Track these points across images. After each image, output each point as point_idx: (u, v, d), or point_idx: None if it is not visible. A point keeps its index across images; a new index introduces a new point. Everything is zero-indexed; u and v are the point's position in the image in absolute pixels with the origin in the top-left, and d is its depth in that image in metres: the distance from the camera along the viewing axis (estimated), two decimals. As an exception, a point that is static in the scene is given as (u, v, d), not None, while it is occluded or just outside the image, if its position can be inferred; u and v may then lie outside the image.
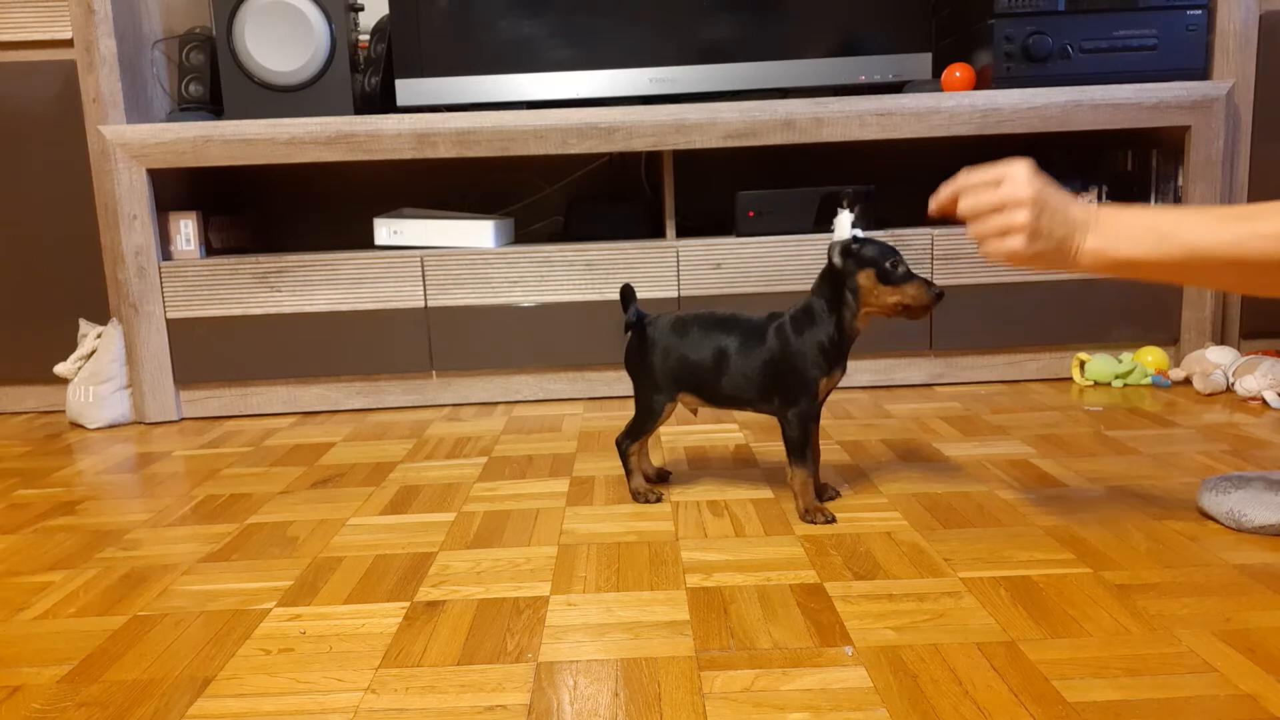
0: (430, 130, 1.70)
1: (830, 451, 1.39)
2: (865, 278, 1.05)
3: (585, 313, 1.76)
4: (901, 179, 2.10)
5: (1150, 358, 1.76)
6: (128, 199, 1.70)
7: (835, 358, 1.09)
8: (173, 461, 1.50)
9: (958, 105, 1.71)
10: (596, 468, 1.35)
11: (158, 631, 0.88)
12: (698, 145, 1.72)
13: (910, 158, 2.11)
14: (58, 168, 1.80)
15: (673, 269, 1.76)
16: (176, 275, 1.74)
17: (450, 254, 1.76)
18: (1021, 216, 0.87)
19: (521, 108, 1.78)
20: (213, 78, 1.85)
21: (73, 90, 1.77)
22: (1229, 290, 0.90)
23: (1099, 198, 1.86)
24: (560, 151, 1.71)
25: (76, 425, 1.78)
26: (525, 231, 2.16)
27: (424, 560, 1.03)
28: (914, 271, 1.05)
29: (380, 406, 1.81)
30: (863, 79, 1.80)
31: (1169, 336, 1.79)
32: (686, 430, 1.55)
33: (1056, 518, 1.07)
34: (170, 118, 1.85)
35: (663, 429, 1.56)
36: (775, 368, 1.09)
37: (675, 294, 1.76)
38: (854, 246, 1.05)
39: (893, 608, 0.86)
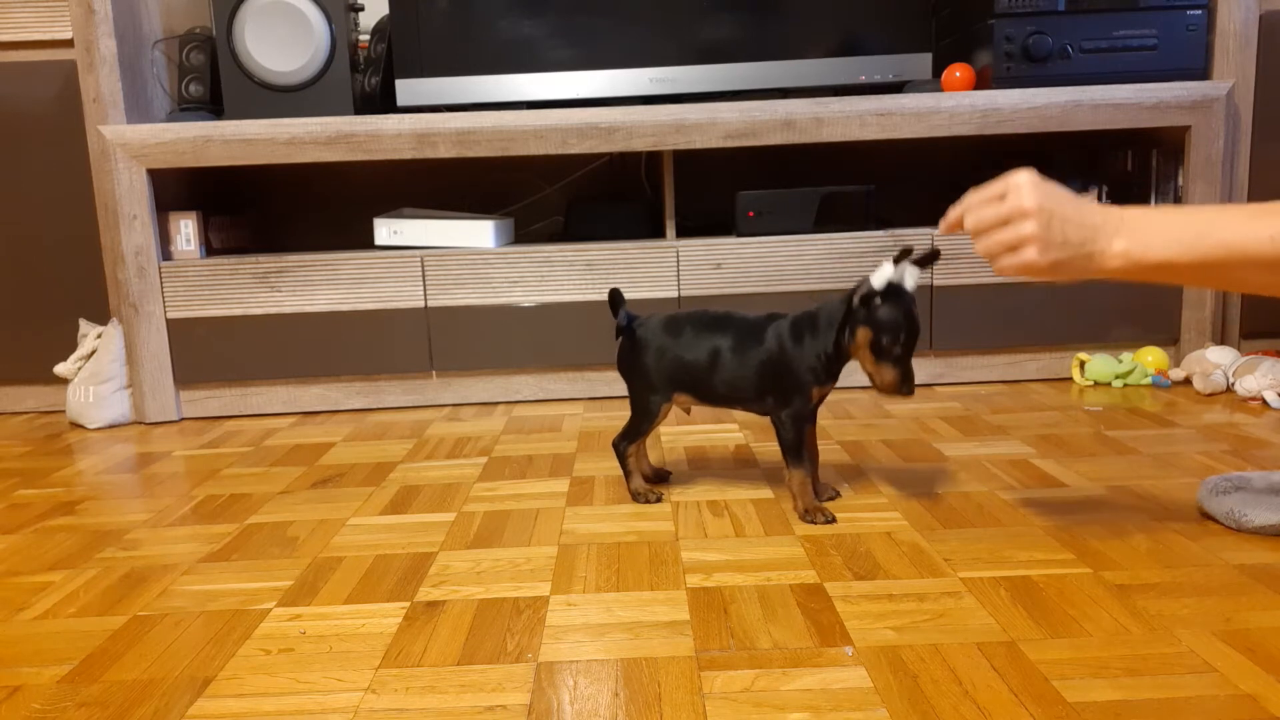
0: (430, 130, 1.70)
1: (830, 451, 1.39)
2: (863, 333, 1.04)
3: (585, 313, 1.76)
4: (902, 179, 2.11)
5: (1150, 358, 1.75)
6: (128, 199, 1.70)
7: (829, 371, 1.09)
8: (173, 461, 1.50)
9: (958, 105, 1.71)
10: (596, 468, 1.35)
11: (158, 631, 0.88)
12: (698, 145, 1.72)
13: (910, 158, 2.11)
14: (58, 168, 1.80)
15: (673, 269, 1.76)
16: (176, 275, 1.74)
17: (450, 254, 1.76)
18: (1029, 228, 0.83)
19: (521, 108, 1.78)
20: (213, 78, 1.85)
21: (73, 90, 1.77)
22: (1259, 292, 0.87)
23: (1099, 198, 1.86)
24: (560, 151, 1.71)
25: (76, 425, 1.78)
26: (525, 231, 2.16)
27: (424, 560, 1.03)
28: (908, 358, 1.03)
29: (380, 406, 1.81)
30: (863, 79, 1.80)
31: (1169, 336, 1.79)
32: (686, 430, 1.55)
33: (1056, 518, 1.07)
34: (170, 118, 1.85)
35: (662, 429, 1.56)
36: (771, 368, 1.10)
37: (675, 294, 1.76)
38: (875, 301, 1.02)
39: (893, 608, 0.86)
